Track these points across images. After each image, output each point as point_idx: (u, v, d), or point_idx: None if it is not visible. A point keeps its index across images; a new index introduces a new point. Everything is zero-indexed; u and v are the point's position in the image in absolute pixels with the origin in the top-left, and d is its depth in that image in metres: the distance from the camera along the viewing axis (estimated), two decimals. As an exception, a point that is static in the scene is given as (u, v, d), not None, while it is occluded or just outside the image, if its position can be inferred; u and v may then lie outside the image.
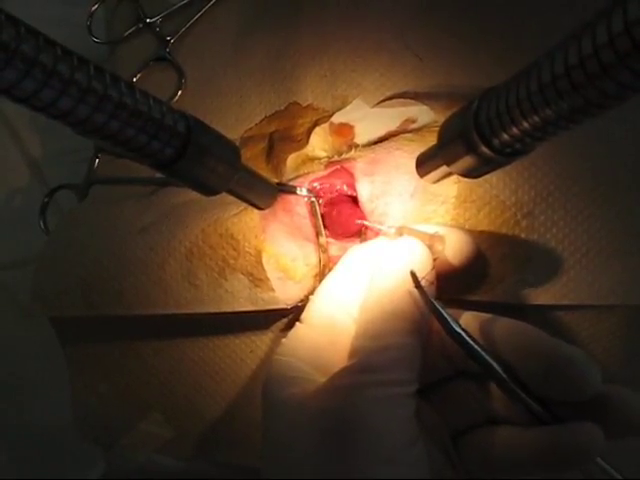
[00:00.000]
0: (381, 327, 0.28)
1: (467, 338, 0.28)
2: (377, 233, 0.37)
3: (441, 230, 0.33)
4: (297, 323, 0.33)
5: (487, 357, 0.28)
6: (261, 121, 0.41)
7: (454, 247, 0.32)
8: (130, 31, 0.48)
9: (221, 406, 0.40)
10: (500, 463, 0.28)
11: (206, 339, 0.40)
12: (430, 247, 0.32)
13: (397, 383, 0.27)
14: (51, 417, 0.52)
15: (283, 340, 0.32)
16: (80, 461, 0.53)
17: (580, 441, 0.26)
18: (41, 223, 0.48)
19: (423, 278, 0.29)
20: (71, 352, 0.45)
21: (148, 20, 0.47)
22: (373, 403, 0.26)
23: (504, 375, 0.28)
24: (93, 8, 0.49)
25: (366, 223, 0.37)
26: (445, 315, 0.28)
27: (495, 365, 0.28)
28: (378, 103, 0.37)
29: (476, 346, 0.28)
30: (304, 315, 0.33)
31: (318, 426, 0.26)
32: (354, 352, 0.28)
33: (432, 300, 0.29)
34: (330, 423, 0.26)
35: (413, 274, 0.29)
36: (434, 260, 0.31)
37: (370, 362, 0.27)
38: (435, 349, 0.31)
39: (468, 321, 0.30)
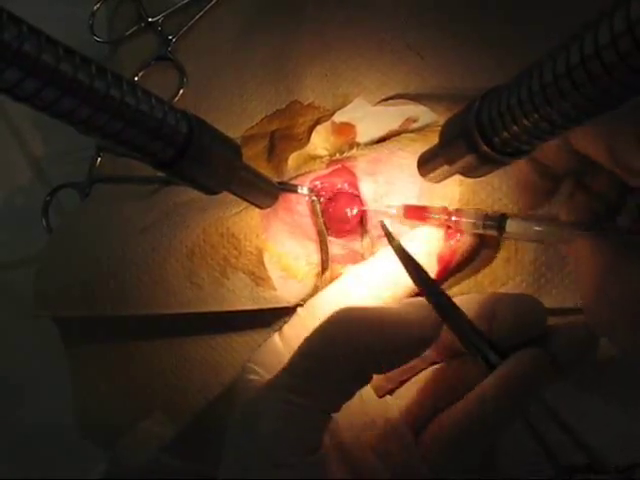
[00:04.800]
0: (320, 351, 0.28)
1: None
2: (380, 227, 0.37)
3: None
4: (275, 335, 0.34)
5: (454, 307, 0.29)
6: (262, 120, 0.41)
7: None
8: (132, 30, 0.48)
9: (223, 405, 0.40)
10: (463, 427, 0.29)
11: (208, 338, 0.40)
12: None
13: (307, 407, 0.27)
14: (52, 416, 0.52)
15: (255, 352, 0.34)
16: (81, 460, 0.53)
17: (526, 364, 0.28)
18: (43, 222, 0.48)
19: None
20: (73, 351, 0.45)
21: (150, 19, 0.47)
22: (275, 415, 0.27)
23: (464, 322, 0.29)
24: (95, 7, 0.49)
25: (365, 208, 0.37)
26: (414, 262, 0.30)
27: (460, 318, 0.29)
28: (379, 102, 0.37)
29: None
30: (284, 330, 0.34)
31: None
32: (291, 365, 0.29)
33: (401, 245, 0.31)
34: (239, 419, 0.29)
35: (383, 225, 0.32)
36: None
37: (294, 384, 0.28)
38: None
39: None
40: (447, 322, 0.29)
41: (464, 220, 0.34)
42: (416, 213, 0.35)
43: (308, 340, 0.29)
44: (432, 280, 0.31)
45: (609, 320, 0.25)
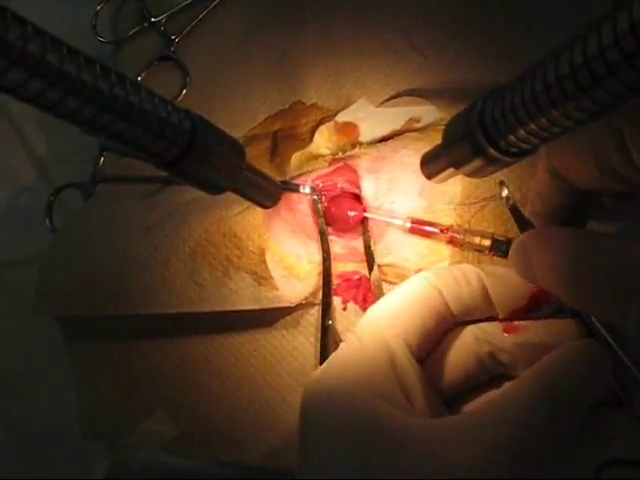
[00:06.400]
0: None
1: None
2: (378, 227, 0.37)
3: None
4: (349, 335, 0.32)
5: None
6: (265, 120, 0.41)
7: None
8: (135, 30, 0.48)
9: (225, 405, 0.40)
10: None
11: (210, 338, 0.40)
12: None
13: None
14: (55, 415, 0.52)
15: (337, 352, 0.31)
16: (84, 459, 0.53)
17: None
18: (47, 222, 0.48)
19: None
20: (76, 350, 0.45)
21: (153, 19, 0.47)
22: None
23: None
24: (98, 7, 0.49)
25: (371, 215, 0.37)
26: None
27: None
28: (383, 103, 0.37)
29: None
30: (357, 328, 0.32)
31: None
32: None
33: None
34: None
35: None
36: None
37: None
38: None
39: None
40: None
41: (469, 240, 0.34)
42: (421, 230, 0.35)
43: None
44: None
45: (588, 296, 0.25)
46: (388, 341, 0.30)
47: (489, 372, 0.31)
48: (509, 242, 0.33)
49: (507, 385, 0.30)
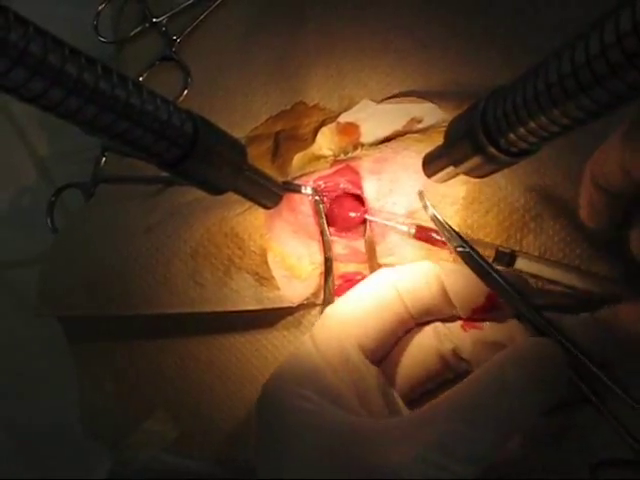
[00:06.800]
0: None
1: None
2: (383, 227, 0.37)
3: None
4: (306, 337, 0.32)
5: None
6: (267, 120, 0.41)
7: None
8: (136, 31, 0.48)
9: (227, 405, 0.40)
10: None
11: (212, 338, 0.40)
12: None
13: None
14: (57, 416, 0.52)
15: (292, 351, 0.32)
16: (85, 459, 0.53)
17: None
18: (48, 222, 0.48)
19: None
20: (78, 351, 0.45)
21: (154, 20, 0.47)
22: None
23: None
24: (100, 8, 0.49)
25: (372, 218, 0.37)
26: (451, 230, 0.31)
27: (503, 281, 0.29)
28: (385, 99, 0.37)
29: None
30: (314, 329, 0.32)
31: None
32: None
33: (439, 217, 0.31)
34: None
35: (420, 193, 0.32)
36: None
37: None
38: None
39: None
40: (485, 279, 0.29)
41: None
42: (426, 236, 0.35)
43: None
44: (467, 241, 0.31)
45: None
46: (343, 344, 0.30)
47: (454, 370, 0.32)
48: (512, 254, 0.33)
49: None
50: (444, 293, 0.31)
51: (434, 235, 0.35)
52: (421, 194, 0.33)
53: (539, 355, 0.27)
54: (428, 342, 0.32)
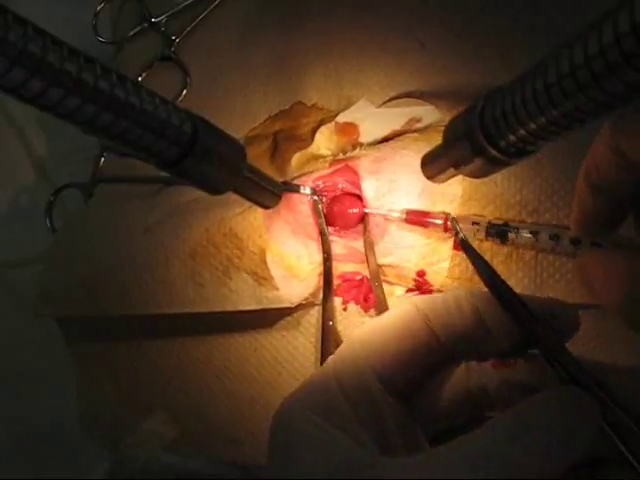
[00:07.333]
0: None
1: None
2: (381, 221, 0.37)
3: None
4: (327, 362, 0.30)
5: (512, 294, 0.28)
6: (265, 120, 0.41)
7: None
8: (135, 30, 0.48)
9: (225, 405, 0.40)
10: None
11: (210, 338, 0.40)
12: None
13: None
14: (56, 416, 0.52)
15: (310, 378, 0.30)
16: (85, 460, 0.53)
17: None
18: (47, 222, 0.48)
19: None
20: (76, 351, 0.45)
21: (153, 20, 0.47)
22: None
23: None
24: (99, 8, 0.49)
25: (369, 211, 0.37)
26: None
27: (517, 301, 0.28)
28: (384, 103, 0.37)
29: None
30: (336, 354, 0.31)
31: None
32: None
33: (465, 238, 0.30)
34: None
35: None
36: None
37: None
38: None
39: None
40: (518, 321, 0.27)
41: (465, 226, 0.34)
42: (417, 218, 0.35)
43: None
44: (502, 280, 0.29)
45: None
46: (361, 373, 0.29)
47: (481, 406, 0.30)
48: (505, 225, 0.33)
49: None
50: (479, 321, 0.29)
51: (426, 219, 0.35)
52: (453, 220, 0.33)
53: (565, 403, 0.25)
54: (458, 377, 0.30)
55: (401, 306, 0.30)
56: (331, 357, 0.30)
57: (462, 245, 0.32)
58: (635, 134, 0.23)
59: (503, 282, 0.29)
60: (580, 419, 0.24)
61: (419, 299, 0.30)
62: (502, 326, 0.28)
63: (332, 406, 0.28)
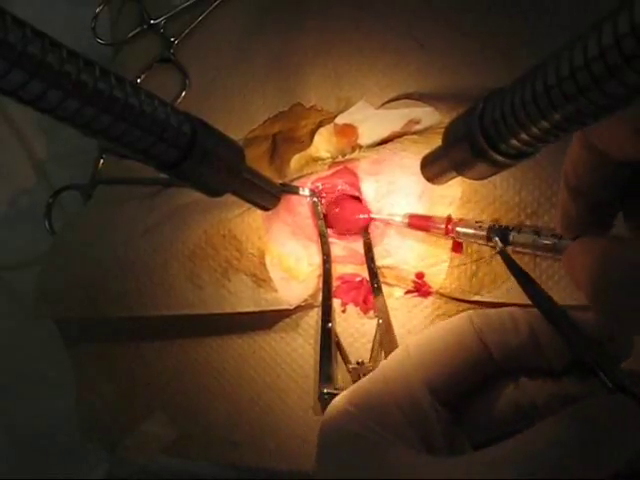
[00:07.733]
0: None
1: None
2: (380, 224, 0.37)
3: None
4: (378, 368, 0.31)
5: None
6: (265, 122, 0.41)
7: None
8: (134, 32, 0.48)
9: (224, 406, 0.40)
10: None
11: (209, 340, 0.40)
12: None
13: None
14: (55, 415, 0.52)
15: (361, 383, 0.30)
16: (83, 462, 0.53)
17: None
18: (46, 223, 0.48)
19: None
20: (75, 353, 0.45)
21: (152, 21, 0.47)
22: None
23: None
24: (98, 10, 0.49)
25: (373, 216, 0.37)
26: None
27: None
28: (383, 104, 0.37)
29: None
30: (387, 360, 0.31)
31: None
32: None
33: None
34: None
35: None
36: None
37: None
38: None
39: None
40: (570, 342, 0.27)
41: (465, 231, 0.34)
42: (419, 223, 0.35)
43: None
44: (553, 300, 0.29)
45: (618, 306, 0.24)
46: (411, 383, 0.29)
47: (531, 418, 0.30)
48: (506, 228, 0.33)
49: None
50: (534, 340, 0.29)
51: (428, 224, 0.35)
52: (489, 229, 0.33)
53: (610, 411, 0.25)
54: (507, 390, 0.30)
55: (458, 321, 0.31)
56: (383, 362, 0.31)
57: (508, 265, 0.31)
58: (601, 123, 0.23)
59: (554, 303, 0.29)
60: (626, 426, 0.24)
61: (474, 313, 0.30)
62: (555, 346, 0.29)
63: (383, 412, 0.28)
